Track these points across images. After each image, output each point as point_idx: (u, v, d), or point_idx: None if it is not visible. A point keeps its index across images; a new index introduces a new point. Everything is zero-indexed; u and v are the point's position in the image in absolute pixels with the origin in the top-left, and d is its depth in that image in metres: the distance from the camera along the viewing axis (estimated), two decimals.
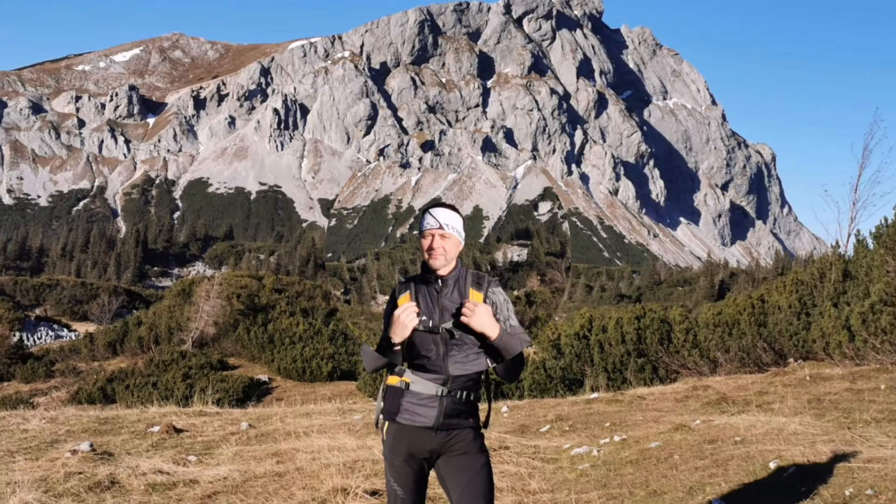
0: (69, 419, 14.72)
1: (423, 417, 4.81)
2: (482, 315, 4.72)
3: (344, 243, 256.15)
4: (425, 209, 5.06)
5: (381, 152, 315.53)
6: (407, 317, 4.78)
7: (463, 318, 4.75)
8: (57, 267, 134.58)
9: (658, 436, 10.57)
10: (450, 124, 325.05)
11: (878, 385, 12.71)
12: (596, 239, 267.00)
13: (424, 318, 4.86)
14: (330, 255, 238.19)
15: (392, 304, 5.01)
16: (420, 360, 4.90)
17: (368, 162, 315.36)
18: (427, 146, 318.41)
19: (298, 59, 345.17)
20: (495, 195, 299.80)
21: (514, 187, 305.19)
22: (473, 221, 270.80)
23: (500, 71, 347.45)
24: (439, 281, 4.94)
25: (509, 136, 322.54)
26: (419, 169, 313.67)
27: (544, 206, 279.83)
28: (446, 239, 4.91)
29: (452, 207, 5.05)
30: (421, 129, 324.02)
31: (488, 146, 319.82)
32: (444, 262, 4.90)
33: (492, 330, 4.74)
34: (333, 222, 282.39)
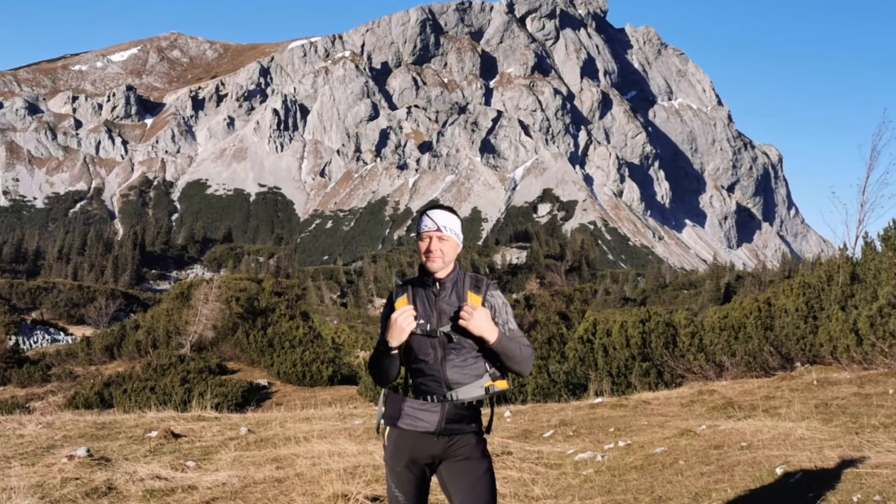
0: (66, 424, 14.73)
1: (425, 422, 4.81)
2: (480, 318, 4.71)
3: (341, 245, 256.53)
4: (423, 211, 5.05)
5: (377, 153, 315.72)
6: (404, 320, 4.78)
7: (461, 322, 4.74)
8: (53, 270, 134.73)
9: (663, 441, 10.57)
10: (445, 125, 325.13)
11: (886, 389, 12.71)
12: (600, 241, 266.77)
13: (422, 321, 4.85)
14: (326, 257, 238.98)
15: (389, 308, 5.01)
16: (417, 364, 4.90)
17: (365, 163, 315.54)
18: (425, 147, 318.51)
19: (298, 58, 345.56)
20: (494, 197, 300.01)
21: (513, 189, 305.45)
22: (471, 224, 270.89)
23: (503, 71, 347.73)
24: (437, 284, 4.93)
25: (512, 136, 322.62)
26: (417, 170, 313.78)
27: (543, 209, 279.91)
28: (444, 241, 4.91)
29: (450, 209, 5.04)
30: (418, 129, 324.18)
31: (487, 147, 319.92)
32: (441, 264, 4.90)
33: (490, 334, 4.73)
34: (330, 224, 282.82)
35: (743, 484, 8.02)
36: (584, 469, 9.71)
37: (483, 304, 4.88)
